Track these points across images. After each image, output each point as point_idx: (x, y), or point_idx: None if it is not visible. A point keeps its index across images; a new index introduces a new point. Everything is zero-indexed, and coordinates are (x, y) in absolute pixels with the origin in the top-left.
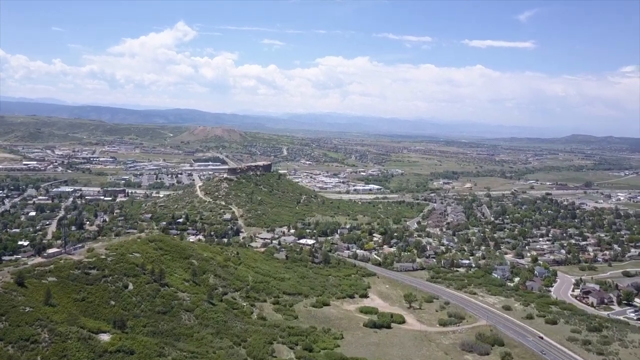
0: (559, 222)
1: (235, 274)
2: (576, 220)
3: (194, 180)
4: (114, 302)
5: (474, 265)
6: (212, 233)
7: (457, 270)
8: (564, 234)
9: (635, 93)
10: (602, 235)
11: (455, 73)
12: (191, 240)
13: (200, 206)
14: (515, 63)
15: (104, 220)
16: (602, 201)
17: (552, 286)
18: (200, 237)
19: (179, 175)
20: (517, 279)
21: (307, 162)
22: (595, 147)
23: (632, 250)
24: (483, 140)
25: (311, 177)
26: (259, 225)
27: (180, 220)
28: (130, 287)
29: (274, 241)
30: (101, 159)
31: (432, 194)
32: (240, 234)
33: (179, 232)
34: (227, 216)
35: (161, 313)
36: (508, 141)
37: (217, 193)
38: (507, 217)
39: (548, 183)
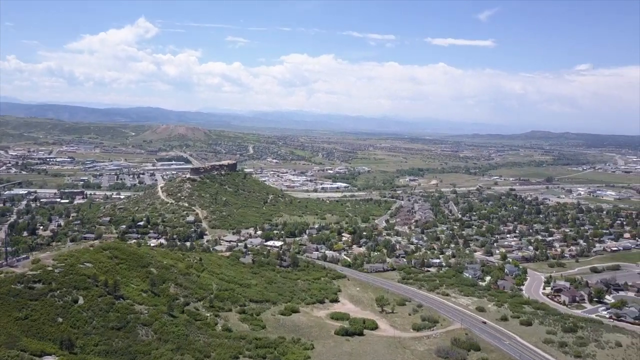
0: (525, 217)
1: (197, 282)
2: (541, 216)
3: (156, 180)
4: (61, 319)
5: (444, 264)
6: (175, 236)
7: (428, 270)
8: (530, 230)
9: (589, 91)
10: (567, 230)
11: (419, 71)
12: (152, 244)
13: (162, 208)
14: (476, 61)
15: (59, 225)
16: (563, 196)
17: (523, 284)
18: (162, 240)
19: (141, 176)
20: (488, 278)
21: (274, 161)
22: (553, 143)
23: (597, 245)
24: (446, 137)
25: (278, 176)
26: (224, 227)
27: (141, 223)
28: (81, 301)
29: (239, 244)
30: (58, 159)
31: (399, 191)
32: (204, 236)
33: (139, 235)
34: (191, 218)
35: (115, 329)
36: (470, 137)
37: (179, 194)
38: (474, 213)
39: (511, 179)
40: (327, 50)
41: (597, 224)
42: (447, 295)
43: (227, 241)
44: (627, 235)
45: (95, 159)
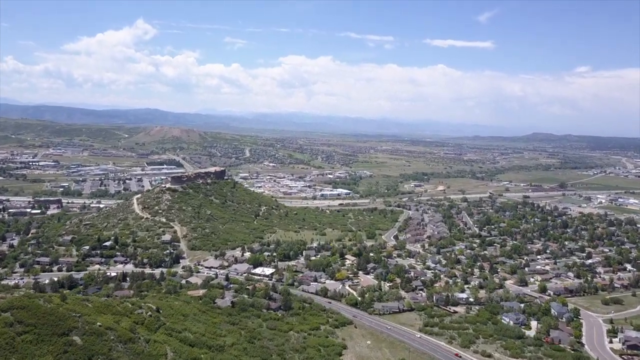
0: (552, 233)
1: (145, 352)
2: (569, 231)
3: (143, 186)
4: None
5: (473, 300)
6: (145, 261)
7: (455, 311)
8: (563, 249)
9: (589, 93)
10: (606, 250)
11: (418, 72)
12: (113, 274)
13: (135, 224)
14: (475, 62)
15: (11, 246)
16: (585, 205)
17: (581, 334)
18: (130, 265)
19: (127, 181)
20: (534, 324)
21: (271, 164)
22: (556, 145)
23: None
24: (448, 139)
25: (275, 181)
26: (206, 249)
27: (108, 243)
28: None
29: (221, 272)
30: (41, 163)
31: (405, 199)
32: (180, 261)
33: (103, 259)
34: (167, 237)
35: None
36: (472, 139)
37: (157, 207)
38: (493, 227)
39: (522, 184)
40: (325, 51)
41: (638, 241)
42: (490, 356)
43: (207, 267)
44: None
45: (81, 163)
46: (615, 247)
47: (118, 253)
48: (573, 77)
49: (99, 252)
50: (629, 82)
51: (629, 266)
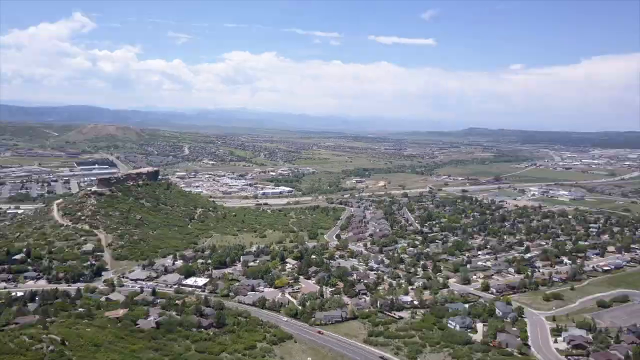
0: (491, 227)
1: None
2: (507, 224)
3: (70, 188)
4: None
5: (417, 303)
6: (62, 274)
7: (400, 317)
8: (502, 244)
9: (521, 89)
10: (543, 243)
11: (362, 69)
12: (19, 293)
13: (53, 233)
14: (418, 59)
15: None
16: (519, 197)
17: (526, 334)
18: (43, 281)
19: (53, 183)
20: (480, 327)
21: (211, 162)
22: (490, 140)
23: (585, 263)
24: (388, 134)
25: (214, 180)
26: (133, 258)
27: (18, 256)
28: None
29: (148, 285)
30: None
31: (347, 195)
32: (102, 274)
33: (11, 275)
34: (89, 247)
35: None
36: (411, 135)
37: (80, 213)
38: (434, 222)
39: (460, 178)
40: (270, 47)
41: (571, 233)
42: None
43: (132, 280)
44: (611, 248)
45: (1, 164)
46: (551, 240)
47: (30, 267)
48: (508, 74)
49: (6, 267)
50: (558, 79)
51: (565, 259)
